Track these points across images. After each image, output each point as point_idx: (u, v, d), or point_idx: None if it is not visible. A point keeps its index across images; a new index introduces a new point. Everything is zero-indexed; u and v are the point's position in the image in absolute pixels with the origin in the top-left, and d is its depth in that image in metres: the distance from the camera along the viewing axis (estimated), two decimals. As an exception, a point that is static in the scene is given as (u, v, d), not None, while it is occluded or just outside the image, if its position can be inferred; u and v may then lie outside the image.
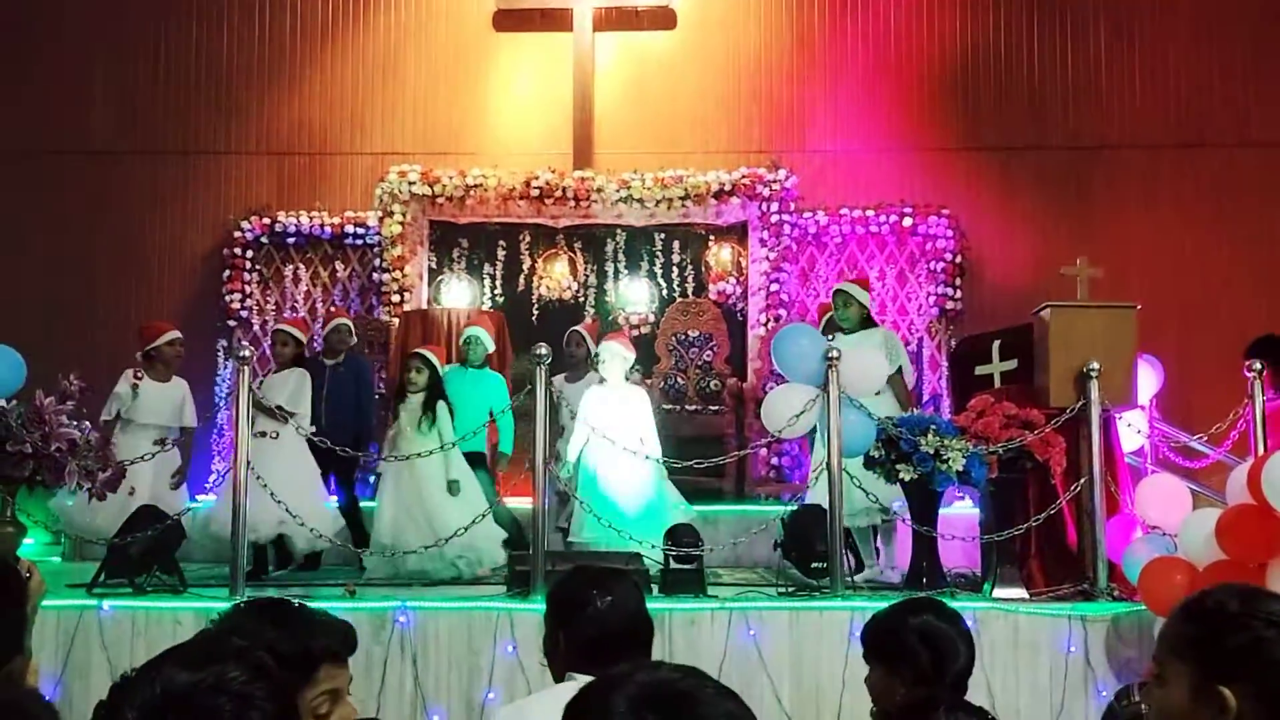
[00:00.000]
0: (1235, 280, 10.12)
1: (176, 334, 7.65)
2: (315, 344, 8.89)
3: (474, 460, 7.47)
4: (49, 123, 10.61)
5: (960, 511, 7.62)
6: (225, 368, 9.93)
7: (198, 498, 8.28)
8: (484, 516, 6.71)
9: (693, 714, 1.38)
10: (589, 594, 2.86)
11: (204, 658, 1.42)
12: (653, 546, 6.50)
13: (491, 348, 8.23)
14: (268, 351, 9.92)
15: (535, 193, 9.93)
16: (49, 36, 10.70)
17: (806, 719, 5.61)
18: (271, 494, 6.39)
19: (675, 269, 10.29)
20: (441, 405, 7.19)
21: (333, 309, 9.41)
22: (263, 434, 7.02)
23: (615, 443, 6.96)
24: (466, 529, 6.52)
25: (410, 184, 9.96)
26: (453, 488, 7.05)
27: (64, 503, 7.28)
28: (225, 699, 1.36)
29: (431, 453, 6.85)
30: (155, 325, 7.78)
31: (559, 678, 2.82)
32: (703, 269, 10.30)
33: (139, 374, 7.36)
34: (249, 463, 6.21)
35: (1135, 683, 3.54)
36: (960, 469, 6.20)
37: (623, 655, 2.63)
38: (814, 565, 6.37)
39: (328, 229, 10.26)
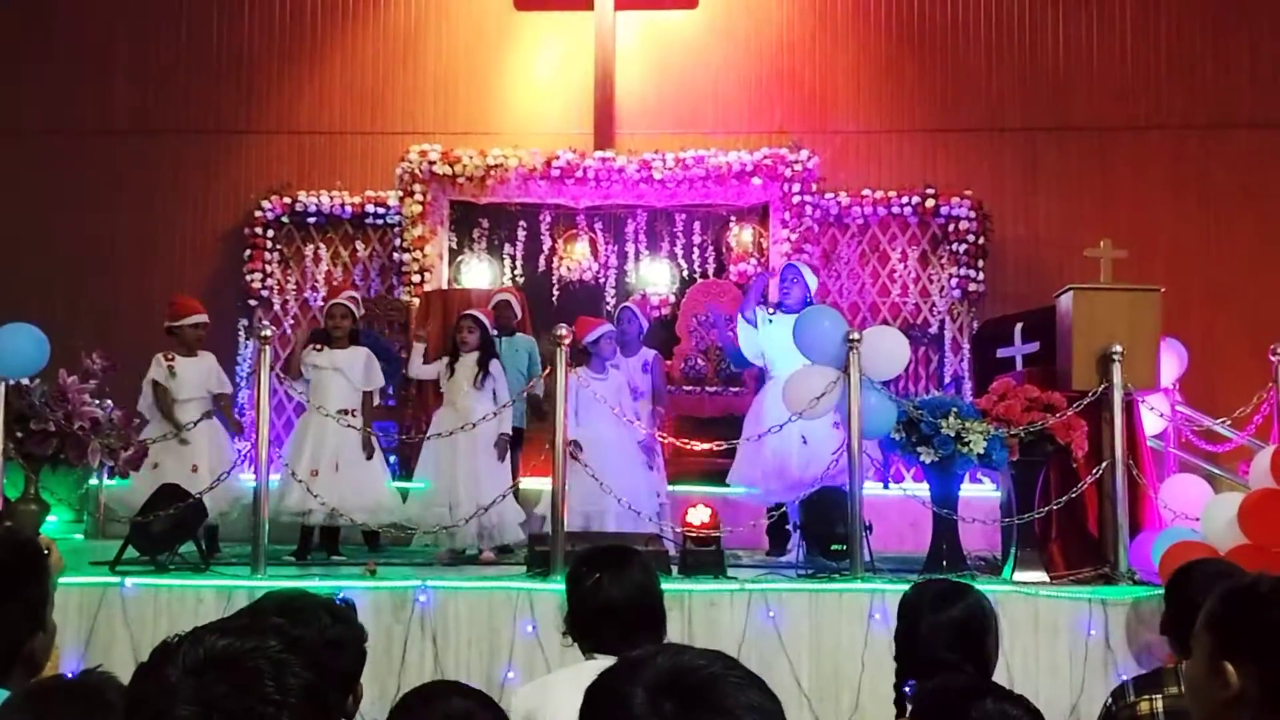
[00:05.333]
0: (1261, 263, 10.03)
1: (203, 318, 7.48)
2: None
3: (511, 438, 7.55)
4: (70, 101, 10.64)
5: (981, 494, 7.59)
6: (246, 347, 9.96)
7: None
8: (510, 491, 6.87)
9: (714, 704, 1.29)
10: (588, 572, 2.91)
11: (244, 629, 1.49)
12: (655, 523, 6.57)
13: (519, 315, 8.36)
14: (289, 331, 9.97)
15: (556, 173, 9.90)
16: (70, 15, 10.73)
17: (826, 701, 5.62)
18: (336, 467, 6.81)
19: (696, 249, 10.24)
20: (496, 363, 7.29)
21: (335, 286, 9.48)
22: (344, 412, 7.07)
23: (607, 404, 7.00)
24: (492, 505, 6.68)
25: (431, 164, 9.93)
26: (500, 441, 7.11)
27: (119, 487, 7.26)
28: (265, 663, 1.43)
29: (485, 418, 6.90)
30: (185, 303, 7.56)
31: (587, 655, 2.86)
32: (723, 250, 10.26)
33: (170, 355, 7.24)
34: (270, 442, 6.27)
35: (1129, 682, 3.51)
36: (981, 452, 6.19)
37: (628, 633, 2.68)
38: (833, 547, 6.38)
39: (348, 209, 10.26)
